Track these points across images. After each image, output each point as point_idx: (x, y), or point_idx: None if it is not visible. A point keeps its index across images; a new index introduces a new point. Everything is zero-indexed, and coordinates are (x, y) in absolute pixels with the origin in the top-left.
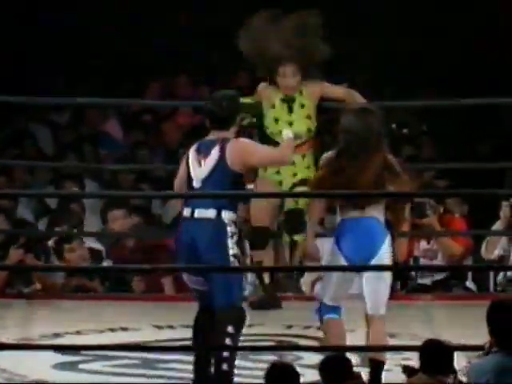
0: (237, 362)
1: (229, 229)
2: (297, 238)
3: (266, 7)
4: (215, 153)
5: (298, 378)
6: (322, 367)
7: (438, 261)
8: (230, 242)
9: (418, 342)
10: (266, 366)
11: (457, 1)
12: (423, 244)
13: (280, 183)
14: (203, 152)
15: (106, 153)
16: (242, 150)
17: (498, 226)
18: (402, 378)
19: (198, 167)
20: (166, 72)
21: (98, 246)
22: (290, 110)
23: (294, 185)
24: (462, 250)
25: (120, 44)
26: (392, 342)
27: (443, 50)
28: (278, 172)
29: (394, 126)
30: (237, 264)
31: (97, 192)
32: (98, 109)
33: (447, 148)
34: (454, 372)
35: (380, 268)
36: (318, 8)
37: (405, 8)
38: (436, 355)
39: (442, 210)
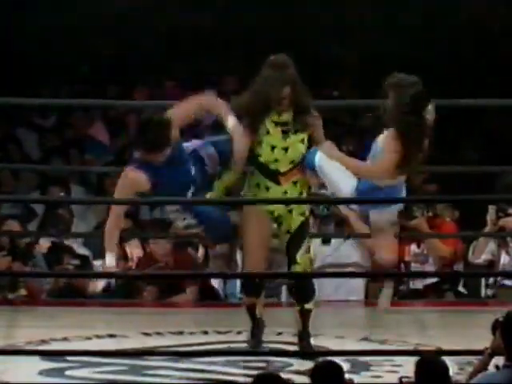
0: (225, 369)
1: None
2: (308, 306)
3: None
4: None
5: None
6: (314, 374)
7: (429, 265)
8: None
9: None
10: (254, 372)
11: (444, 4)
12: (414, 248)
13: (271, 213)
14: None
15: (92, 158)
16: None
17: (486, 230)
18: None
19: None
20: (153, 77)
21: (85, 251)
22: (285, 134)
23: (289, 233)
24: (451, 252)
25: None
26: (383, 348)
27: (430, 53)
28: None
29: None
30: None
31: (84, 198)
32: (84, 113)
33: (436, 152)
34: None
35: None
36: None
37: (392, 11)
38: (432, 371)
39: (432, 214)
